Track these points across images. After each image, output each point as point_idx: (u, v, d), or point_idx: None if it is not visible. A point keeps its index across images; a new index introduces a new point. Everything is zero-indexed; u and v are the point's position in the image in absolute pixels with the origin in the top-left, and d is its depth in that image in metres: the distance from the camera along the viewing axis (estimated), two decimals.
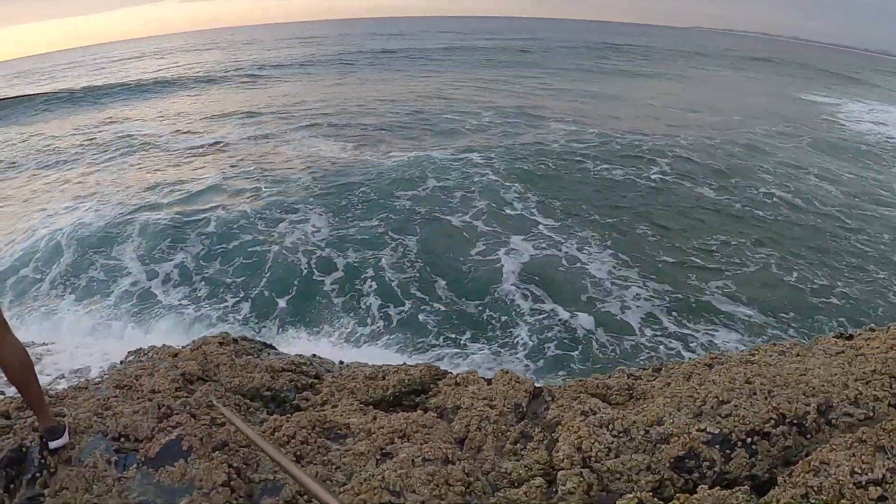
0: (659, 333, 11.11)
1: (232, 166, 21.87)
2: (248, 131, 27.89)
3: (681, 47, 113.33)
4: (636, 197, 18.54)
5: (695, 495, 2.88)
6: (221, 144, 25.58)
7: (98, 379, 5.16)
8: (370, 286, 12.57)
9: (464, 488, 3.05)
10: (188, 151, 24.61)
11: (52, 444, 3.37)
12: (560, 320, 11.42)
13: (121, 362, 5.97)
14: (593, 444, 3.35)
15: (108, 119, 34.23)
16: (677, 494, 2.97)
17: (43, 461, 3.30)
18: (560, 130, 27.55)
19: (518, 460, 3.60)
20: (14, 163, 24.94)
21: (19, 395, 3.49)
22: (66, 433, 3.46)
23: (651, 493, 2.92)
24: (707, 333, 11.15)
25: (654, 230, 15.81)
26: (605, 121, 30.28)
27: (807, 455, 3.12)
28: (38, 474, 3.24)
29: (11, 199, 19.44)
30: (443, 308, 11.83)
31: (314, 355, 6.28)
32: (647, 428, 3.49)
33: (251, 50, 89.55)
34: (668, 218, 16.77)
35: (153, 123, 32.06)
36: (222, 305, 11.94)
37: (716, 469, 3.20)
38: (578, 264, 13.75)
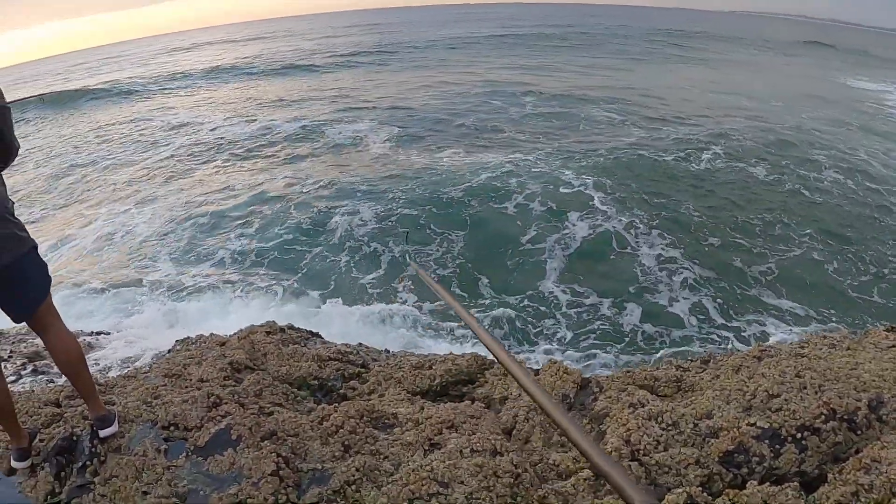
0: (706, 323, 10.99)
1: (277, 157, 22.29)
2: (293, 121, 27.99)
3: (721, 31, 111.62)
4: (686, 180, 18.32)
5: (744, 491, 2.84)
6: (268, 135, 25.85)
7: (146, 368, 5.25)
8: (409, 283, 12.58)
9: (512, 480, 3.04)
10: (234, 143, 24.98)
11: (103, 433, 3.43)
12: (606, 309, 11.37)
13: (168, 351, 6.07)
14: (642, 436, 3.31)
15: (153, 109, 35.16)
16: (726, 490, 2.93)
17: (93, 449, 3.36)
18: (606, 116, 27.40)
19: (566, 452, 3.57)
20: (62, 158, 25.59)
21: (70, 384, 3.54)
22: (116, 422, 3.51)
23: (700, 488, 2.88)
24: (757, 323, 10.99)
25: (705, 216, 15.62)
26: (651, 105, 30.12)
27: (857, 452, 3.06)
28: (88, 462, 3.31)
29: (59, 199, 19.96)
30: (486, 301, 11.82)
31: (360, 344, 6.31)
32: (696, 421, 3.45)
33: (290, 41, 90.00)
34: (719, 204, 16.53)
35: (197, 113, 32.82)
36: (264, 294, 12.08)
37: (765, 465, 3.14)
38: (629, 248, 13.71)
